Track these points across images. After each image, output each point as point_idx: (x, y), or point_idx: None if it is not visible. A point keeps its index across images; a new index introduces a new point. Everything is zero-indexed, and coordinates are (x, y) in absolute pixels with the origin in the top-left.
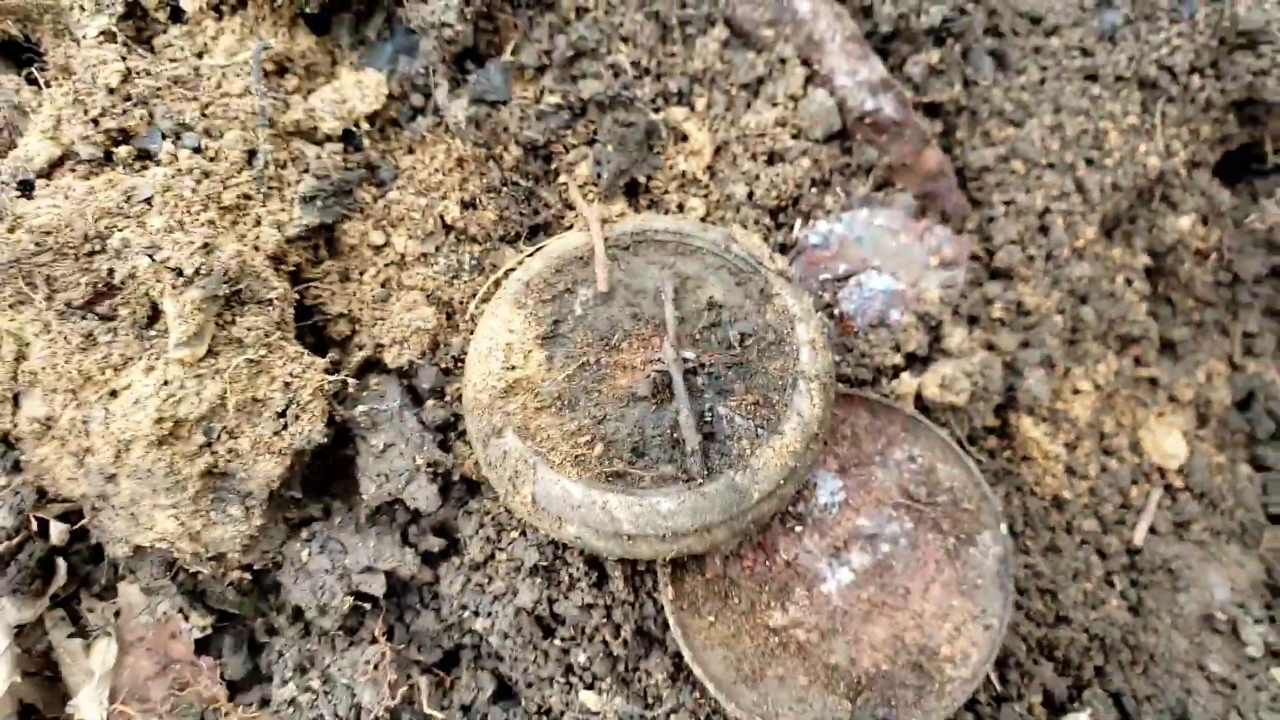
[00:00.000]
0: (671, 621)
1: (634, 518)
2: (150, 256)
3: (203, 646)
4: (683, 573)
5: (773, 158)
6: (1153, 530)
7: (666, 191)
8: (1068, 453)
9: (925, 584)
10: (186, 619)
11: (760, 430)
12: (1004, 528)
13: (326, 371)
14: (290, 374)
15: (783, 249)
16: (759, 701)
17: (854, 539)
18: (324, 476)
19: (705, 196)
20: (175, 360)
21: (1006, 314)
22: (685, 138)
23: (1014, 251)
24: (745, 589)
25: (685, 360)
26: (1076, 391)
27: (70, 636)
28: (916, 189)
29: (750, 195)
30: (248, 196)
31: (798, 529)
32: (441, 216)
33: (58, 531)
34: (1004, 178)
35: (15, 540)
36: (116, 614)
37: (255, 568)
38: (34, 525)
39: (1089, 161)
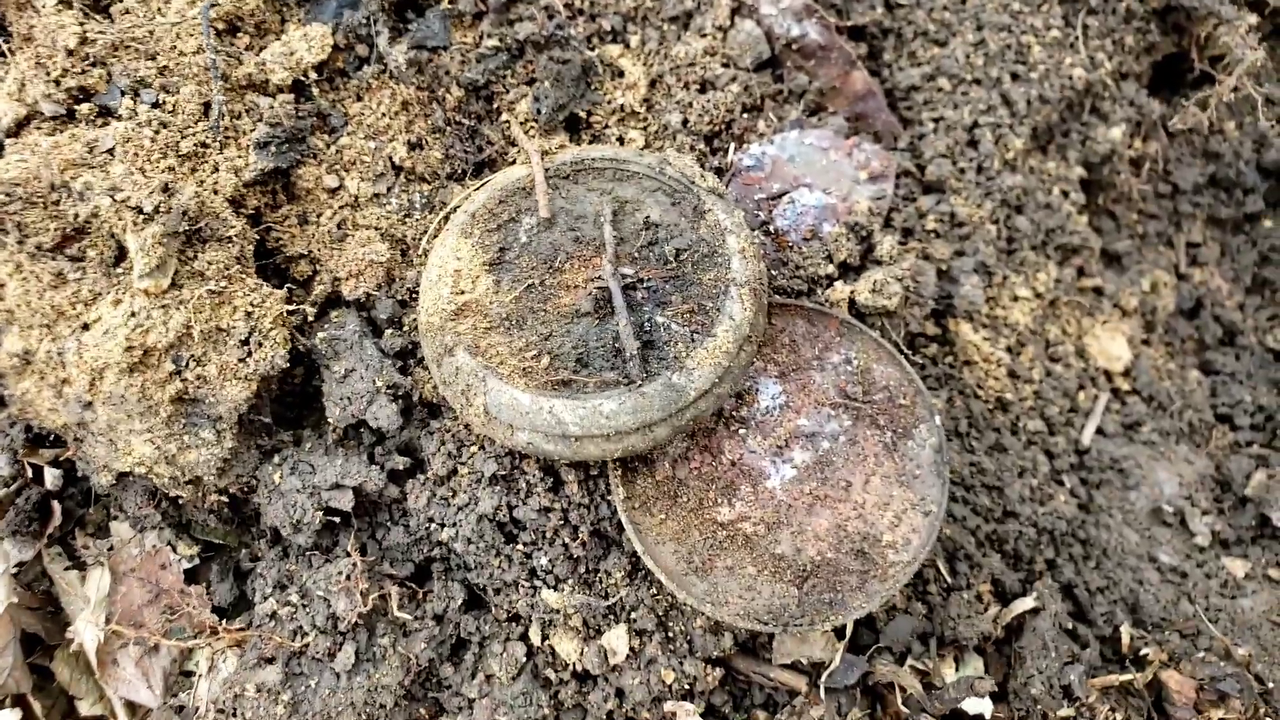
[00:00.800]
0: (624, 520)
1: (579, 420)
2: (112, 197)
3: (192, 576)
4: (634, 475)
5: (705, 86)
6: (1102, 432)
7: (606, 126)
8: (1010, 357)
9: (865, 477)
10: (174, 550)
11: (695, 335)
12: (938, 420)
13: (286, 302)
14: (251, 304)
15: (719, 172)
16: (709, 590)
17: (795, 438)
18: (295, 407)
19: (644, 128)
20: (141, 291)
21: (940, 225)
22: (621, 73)
23: (944, 165)
24: (693, 488)
25: (624, 276)
26: (1016, 299)
27: (67, 569)
28: (847, 111)
29: (685, 123)
30: (205, 145)
31: (741, 432)
32: (390, 158)
33: (51, 477)
34: (931, 95)
35: (13, 487)
36: (110, 549)
37: (231, 493)
38: (29, 472)
39: (1014, 76)
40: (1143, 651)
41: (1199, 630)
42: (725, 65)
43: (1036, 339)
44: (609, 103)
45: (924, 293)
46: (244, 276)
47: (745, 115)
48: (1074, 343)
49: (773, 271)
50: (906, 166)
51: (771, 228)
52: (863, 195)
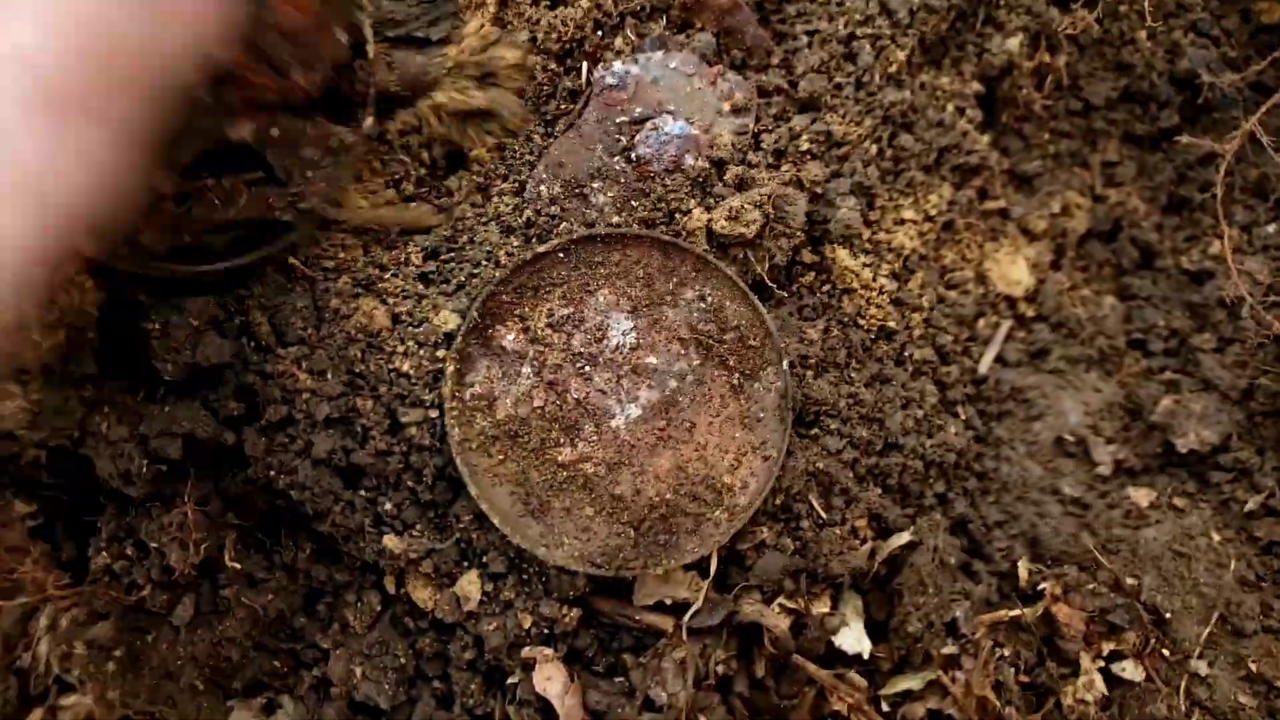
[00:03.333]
0: (458, 462)
1: None
2: None
3: (40, 535)
4: (472, 416)
5: (555, 2)
6: (1004, 361)
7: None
8: (896, 284)
9: (710, 418)
10: (14, 508)
11: None
12: (785, 364)
13: None
14: None
15: (572, 95)
16: (544, 533)
17: (643, 375)
18: (126, 357)
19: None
20: None
21: (815, 145)
22: None
23: (817, 80)
24: (535, 428)
25: None
26: (901, 222)
27: None
28: (715, 26)
29: (535, 40)
30: None
31: (588, 369)
32: None
33: None
34: (805, 6)
35: None
36: None
37: (54, 445)
38: None
39: None
40: (1040, 587)
41: (1099, 563)
42: None
43: (928, 265)
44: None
45: (791, 222)
46: None
47: (599, 33)
48: (974, 268)
49: (632, 202)
50: (779, 84)
51: (633, 154)
52: (725, 128)
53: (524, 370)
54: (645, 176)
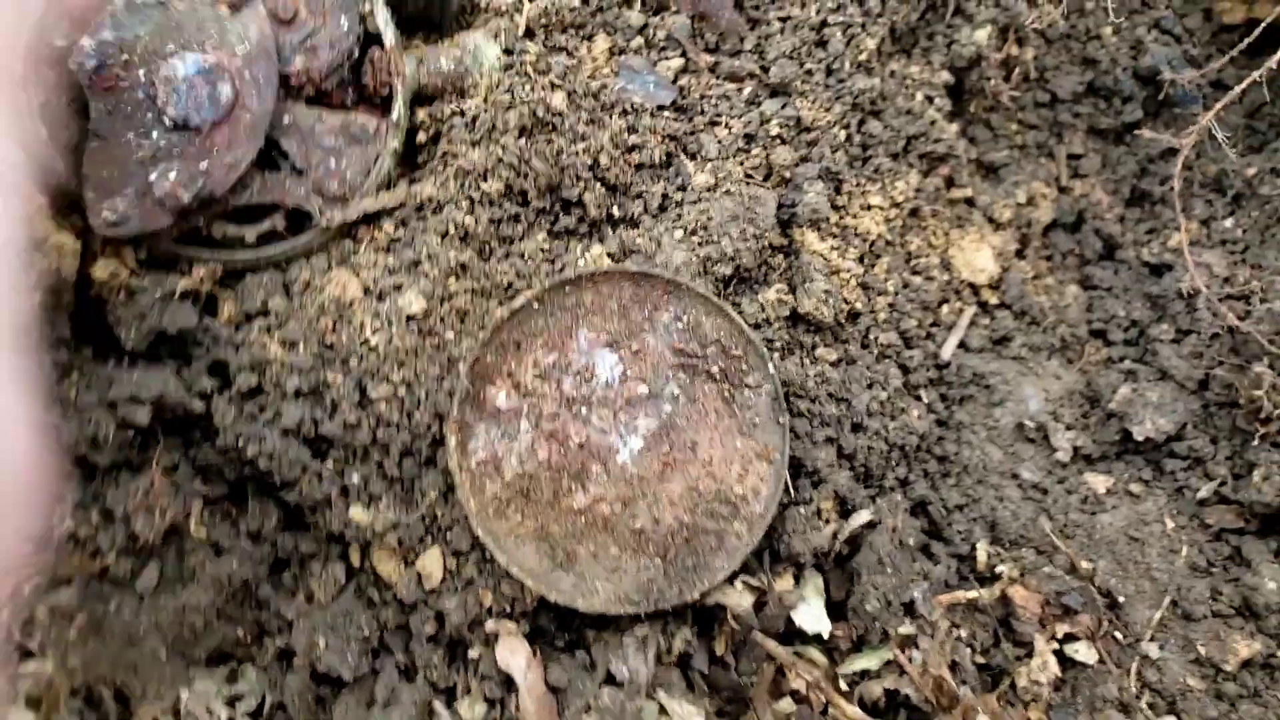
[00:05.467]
0: (480, 532)
1: None
2: None
3: None
4: (483, 482)
5: None
6: (966, 346)
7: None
8: (861, 268)
9: (710, 433)
10: None
11: None
12: (771, 367)
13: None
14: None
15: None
16: (576, 583)
17: (638, 406)
18: (99, 324)
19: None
20: None
21: (784, 130)
22: None
23: (788, 66)
24: (545, 481)
25: None
26: (869, 207)
27: None
28: (690, 10)
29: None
30: None
31: (584, 411)
32: None
33: None
34: None
35: None
36: None
37: None
38: None
39: None
40: (998, 569)
41: (1055, 547)
42: None
43: (894, 250)
44: None
45: (761, 223)
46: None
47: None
48: (939, 255)
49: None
50: (751, 69)
51: (167, 120)
52: (234, 32)
53: (522, 426)
54: (200, 134)
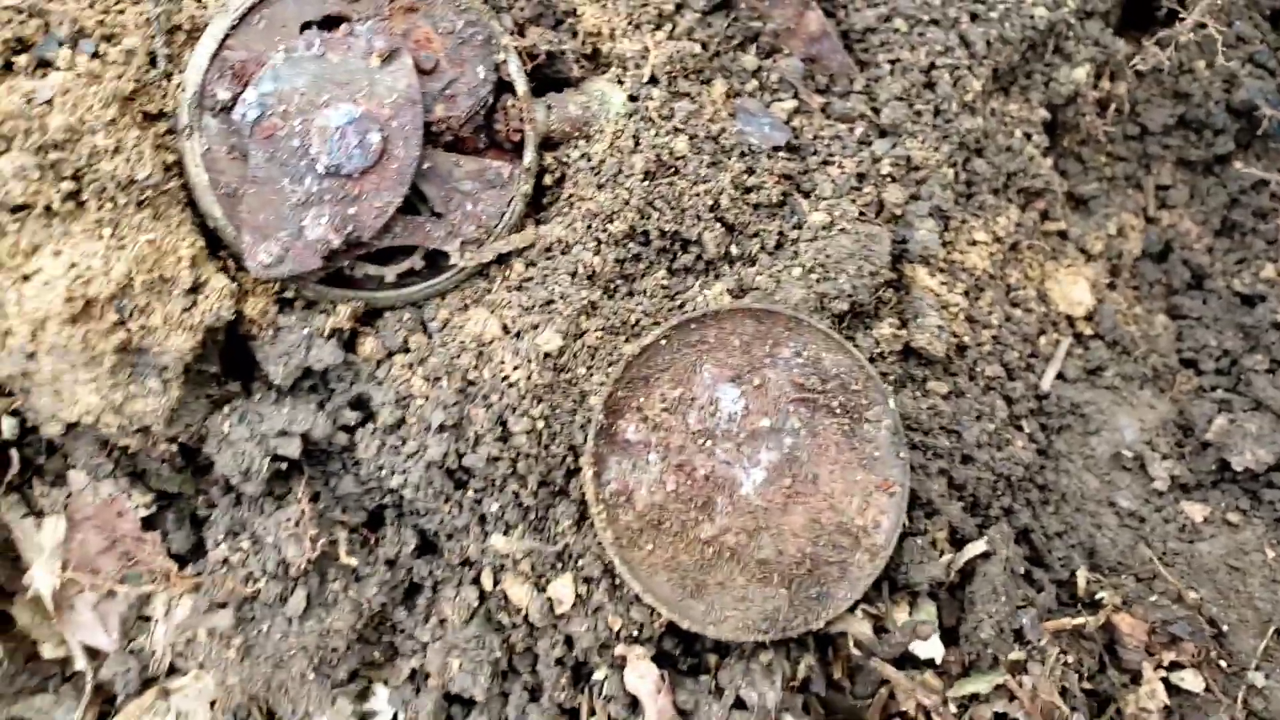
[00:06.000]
0: (616, 561)
1: None
2: None
3: (150, 524)
4: (616, 512)
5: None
6: (1063, 377)
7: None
8: (968, 302)
9: (830, 467)
10: (130, 498)
11: None
12: (891, 402)
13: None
14: (195, 255)
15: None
16: (707, 611)
17: (760, 439)
18: (247, 359)
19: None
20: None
21: (895, 169)
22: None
23: (899, 108)
24: (674, 511)
25: None
26: (974, 243)
27: (24, 517)
28: (802, 53)
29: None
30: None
31: (709, 444)
32: None
33: (9, 426)
34: (888, 37)
35: None
36: (67, 497)
37: (181, 441)
38: None
39: (973, 16)
40: (1098, 595)
41: (1154, 574)
42: (679, 8)
43: (996, 283)
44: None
45: (877, 260)
46: (185, 225)
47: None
48: (1036, 287)
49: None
50: (862, 110)
51: (320, 169)
52: (384, 84)
53: (651, 458)
54: (350, 180)
